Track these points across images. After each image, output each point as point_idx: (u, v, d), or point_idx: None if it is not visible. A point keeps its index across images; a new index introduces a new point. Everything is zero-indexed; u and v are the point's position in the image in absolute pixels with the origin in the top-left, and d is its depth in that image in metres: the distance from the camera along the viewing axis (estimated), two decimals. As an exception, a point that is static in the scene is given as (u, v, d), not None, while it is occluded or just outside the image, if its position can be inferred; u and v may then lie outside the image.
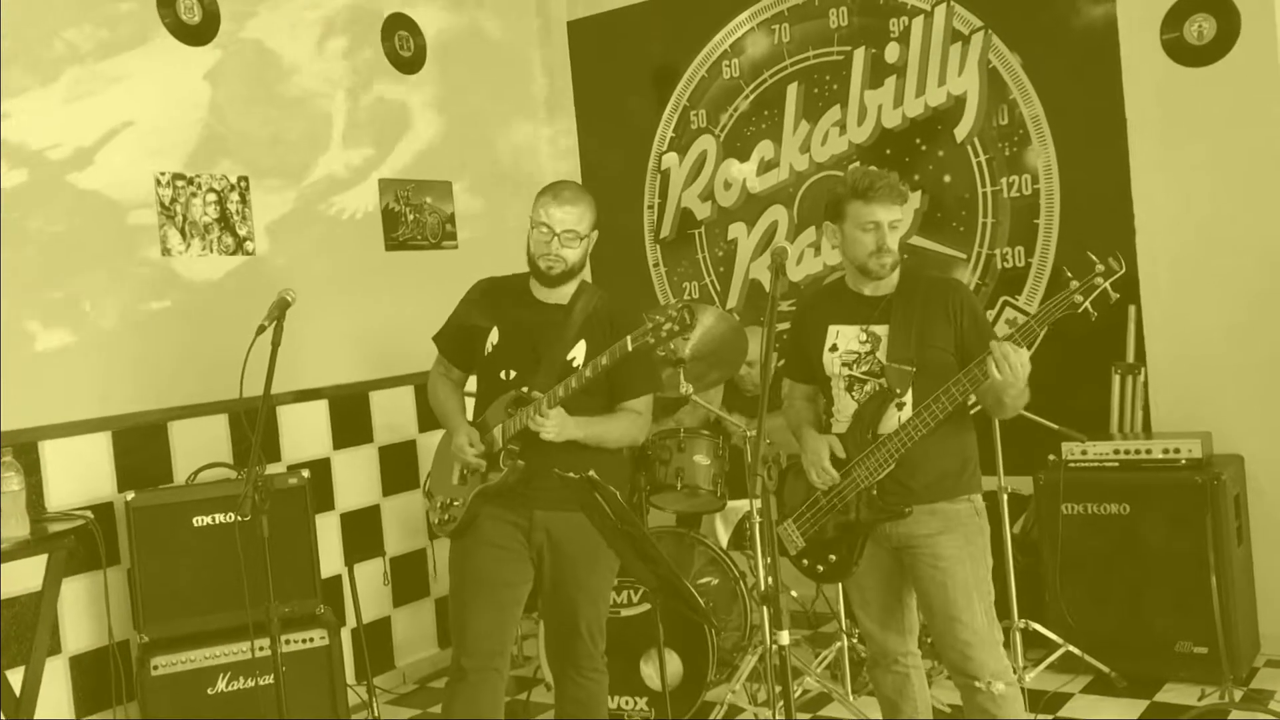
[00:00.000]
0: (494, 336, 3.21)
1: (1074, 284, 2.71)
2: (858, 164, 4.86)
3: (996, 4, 4.57)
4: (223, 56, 4.30)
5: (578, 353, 3.12)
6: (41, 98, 3.80)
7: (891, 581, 3.00)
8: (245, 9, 4.38)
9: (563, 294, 3.19)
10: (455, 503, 3.20)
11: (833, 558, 3.00)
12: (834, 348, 2.97)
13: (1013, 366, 2.67)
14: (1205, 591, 3.86)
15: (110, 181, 3.95)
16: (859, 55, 4.88)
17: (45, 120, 3.80)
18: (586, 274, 3.32)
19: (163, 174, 4.08)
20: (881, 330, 2.91)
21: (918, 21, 4.74)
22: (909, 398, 2.86)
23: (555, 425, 2.98)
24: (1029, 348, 2.70)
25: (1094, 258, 2.72)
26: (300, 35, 4.58)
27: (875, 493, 2.88)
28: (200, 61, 4.23)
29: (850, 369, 2.93)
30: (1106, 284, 2.70)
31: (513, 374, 3.14)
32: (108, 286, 3.93)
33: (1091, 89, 4.38)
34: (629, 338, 2.92)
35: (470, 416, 3.27)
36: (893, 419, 2.87)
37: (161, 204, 4.07)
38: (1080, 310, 2.71)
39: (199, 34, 4.22)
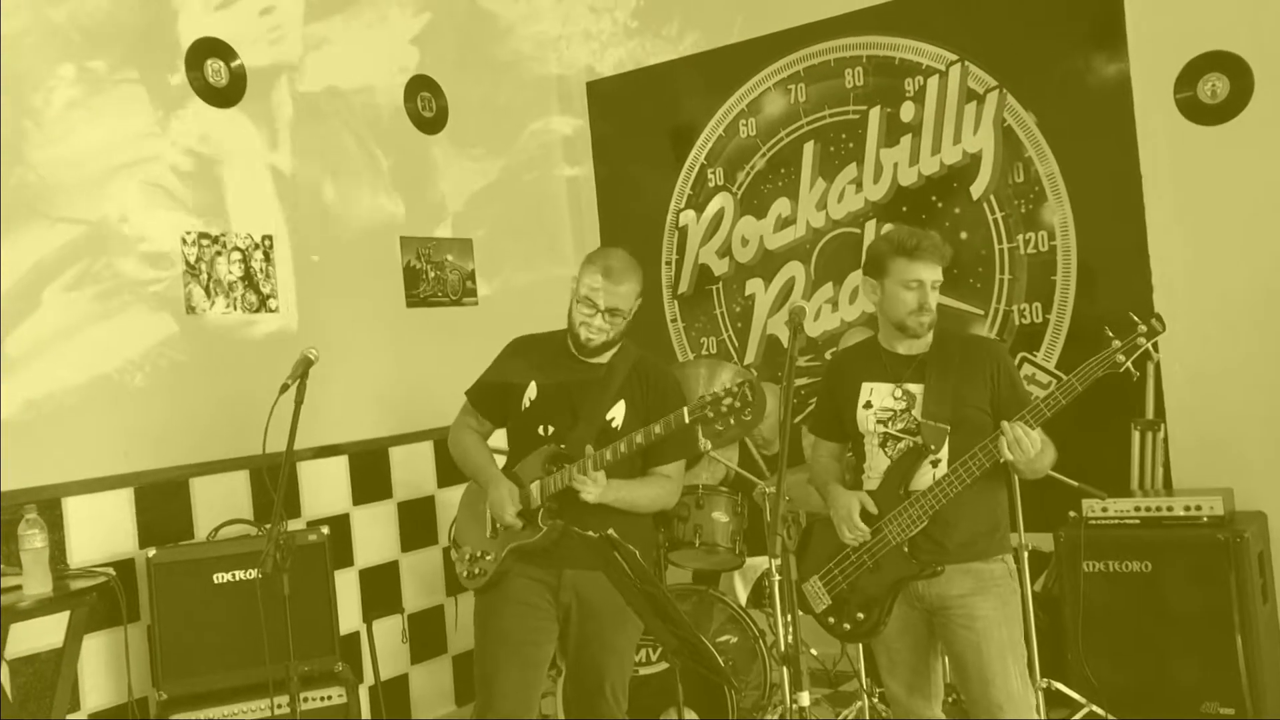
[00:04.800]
0: (531, 392, 3.19)
1: (1116, 343, 2.73)
2: (890, 224, 4.86)
3: (1011, 63, 4.62)
4: (251, 117, 4.38)
5: (617, 413, 3.13)
6: (64, 155, 3.87)
7: (921, 645, 2.98)
8: (272, 70, 4.46)
9: (604, 355, 3.18)
10: (487, 556, 3.18)
11: (860, 616, 2.98)
12: (868, 404, 2.98)
13: (1025, 449, 2.73)
14: (1231, 651, 3.81)
15: (137, 240, 4.01)
16: (874, 114, 4.93)
17: (72, 173, 3.87)
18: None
19: (188, 233, 4.14)
20: (916, 389, 2.92)
21: (933, 81, 4.79)
22: (944, 454, 2.87)
23: (598, 489, 2.97)
24: (1065, 401, 2.74)
25: (1136, 317, 2.75)
26: (327, 95, 4.66)
27: (907, 550, 2.88)
28: (228, 123, 4.31)
29: (886, 426, 2.94)
30: (1149, 344, 2.73)
31: (551, 429, 3.13)
32: (132, 343, 3.98)
33: (1106, 147, 4.42)
34: (685, 410, 2.93)
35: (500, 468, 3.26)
36: (926, 475, 2.88)
37: (187, 262, 4.13)
38: (1122, 369, 2.73)
39: (226, 96, 4.30)
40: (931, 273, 2.91)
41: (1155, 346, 2.86)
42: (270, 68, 4.46)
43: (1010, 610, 2.89)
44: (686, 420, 2.92)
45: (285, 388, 3.07)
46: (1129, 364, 2.74)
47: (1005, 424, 2.75)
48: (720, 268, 5.39)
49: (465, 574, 3.25)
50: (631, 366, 3.14)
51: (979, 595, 2.86)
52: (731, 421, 2.85)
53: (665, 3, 5.47)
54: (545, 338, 3.30)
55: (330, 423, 4.47)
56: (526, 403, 3.19)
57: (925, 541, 2.87)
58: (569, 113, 5.76)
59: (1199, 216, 4.27)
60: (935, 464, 2.88)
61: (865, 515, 2.92)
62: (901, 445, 2.91)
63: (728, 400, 2.85)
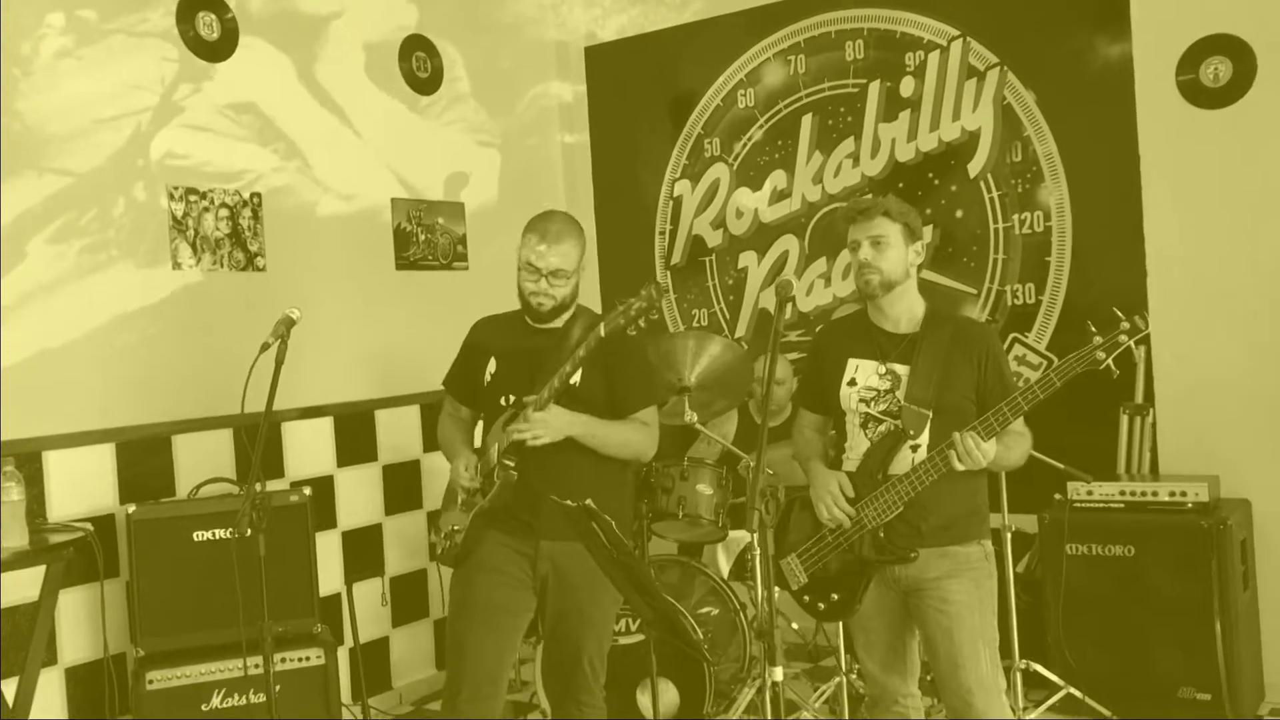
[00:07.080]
0: (492, 366, 3.21)
1: (1097, 339, 2.70)
2: (869, 195, 4.85)
3: (1012, 41, 4.57)
4: (243, 73, 4.33)
5: (577, 377, 3.12)
6: (52, 105, 3.83)
7: (897, 625, 2.97)
8: (264, 25, 4.41)
9: (558, 321, 3.18)
10: (457, 529, 3.20)
11: (835, 596, 2.97)
12: (853, 382, 2.95)
13: (975, 461, 2.73)
14: (1210, 637, 3.82)
15: (124, 193, 3.97)
16: (874, 88, 4.89)
17: (59, 124, 3.82)
18: (595, 303, 3.32)
19: (176, 188, 4.10)
20: (903, 370, 2.88)
21: (934, 56, 4.74)
22: (924, 440, 2.84)
23: (545, 421, 2.96)
24: (1043, 396, 2.72)
25: (1120, 314, 2.71)
26: (319, 51, 4.61)
27: (882, 535, 2.86)
28: (219, 78, 4.26)
29: (868, 406, 2.91)
30: (1130, 342, 2.70)
31: (512, 399, 3.13)
32: (117, 298, 3.94)
33: (1106, 128, 4.38)
34: (601, 324, 2.95)
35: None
36: (905, 460, 2.85)
37: (174, 218, 4.09)
38: (1102, 367, 2.70)
39: (217, 50, 4.25)
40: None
41: (1137, 344, 2.82)
42: (263, 21, 4.40)
43: (984, 594, 2.88)
44: (603, 334, 2.93)
45: (266, 347, 3.05)
46: (1109, 361, 2.71)
47: (956, 435, 2.73)
48: (714, 239, 5.36)
49: (440, 550, 3.28)
50: (587, 328, 3.14)
51: (954, 578, 2.85)
52: (641, 323, 2.93)
53: (668, -32, 5.42)
54: (503, 316, 3.32)
55: (316, 384, 4.45)
56: (488, 377, 3.21)
57: (901, 526, 2.85)
58: (568, 79, 5.70)
59: (1196, 202, 4.24)
60: (915, 449, 2.85)
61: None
62: (882, 428, 2.89)
63: (637, 304, 2.91)
